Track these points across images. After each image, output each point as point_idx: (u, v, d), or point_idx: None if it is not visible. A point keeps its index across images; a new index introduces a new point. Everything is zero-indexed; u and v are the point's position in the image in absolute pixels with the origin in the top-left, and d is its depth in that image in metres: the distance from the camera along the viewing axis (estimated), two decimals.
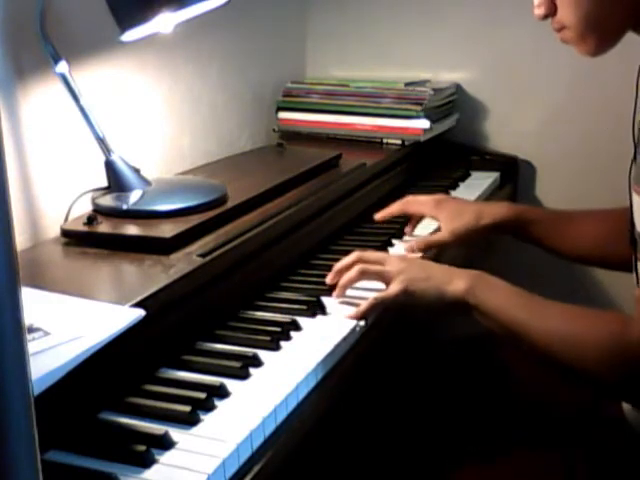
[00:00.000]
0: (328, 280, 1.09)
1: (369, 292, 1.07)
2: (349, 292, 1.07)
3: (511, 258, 1.69)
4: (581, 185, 1.85)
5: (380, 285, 1.06)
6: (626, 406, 1.03)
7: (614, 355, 0.89)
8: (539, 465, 1.01)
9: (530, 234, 1.27)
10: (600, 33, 0.97)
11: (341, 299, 1.06)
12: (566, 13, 0.97)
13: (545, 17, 1.00)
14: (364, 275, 1.06)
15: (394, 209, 1.33)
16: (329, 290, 1.10)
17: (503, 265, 1.77)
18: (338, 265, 1.09)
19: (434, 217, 1.30)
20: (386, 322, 1.07)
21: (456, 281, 1.00)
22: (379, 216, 1.34)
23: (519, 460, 1.01)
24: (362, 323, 1.01)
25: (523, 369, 1.17)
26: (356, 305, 1.03)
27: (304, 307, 1.04)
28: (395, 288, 1.01)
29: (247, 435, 0.75)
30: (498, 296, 0.98)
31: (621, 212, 1.12)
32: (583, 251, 1.25)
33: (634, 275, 0.99)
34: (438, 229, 1.31)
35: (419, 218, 1.35)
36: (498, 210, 1.27)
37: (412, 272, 1.02)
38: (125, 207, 1.10)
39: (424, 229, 1.37)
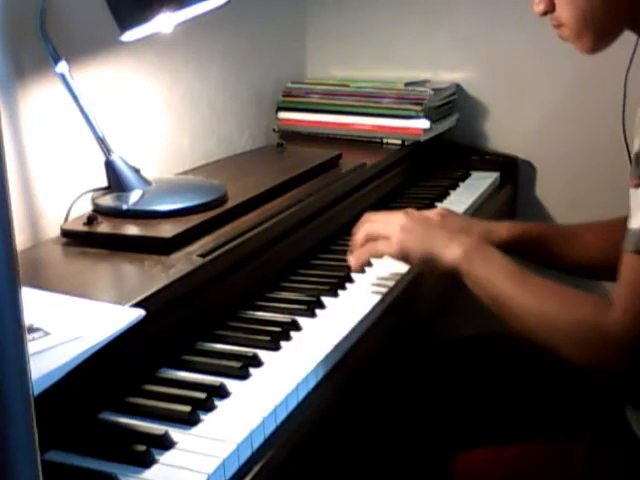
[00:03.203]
0: (349, 259, 1.13)
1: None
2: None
3: None
4: (581, 185, 1.85)
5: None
6: (628, 407, 1.03)
7: (585, 338, 0.89)
8: (539, 455, 1.01)
9: (534, 253, 1.26)
10: (596, 31, 0.98)
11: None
12: (563, 10, 0.98)
13: (544, 13, 1.01)
14: (370, 236, 1.09)
15: None
16: (329, 290, 1.10)
17: None
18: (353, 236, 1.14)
19: None
20: (387, 322, 1.08)
21: (453, 246, 1.02)
22: None
23: (520, 449, 1.02)
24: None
25: (525, 368, 1.17)
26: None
27: (304, 307, 1.04)
28: (392, 246, 1.06)
29: (247, 435, 0.75)
30: (489, 266, 1.00)
31: (621, 221, 1.11)
32: (588, 265, 1.24)
33: None
34: None
35: None
36: (503, 230, 1.24)
37: (411, 232, 1.06)
38: (125, 207, 1.09)
39: None
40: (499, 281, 0.98)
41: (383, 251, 1.08)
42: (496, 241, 1.23)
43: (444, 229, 1.08)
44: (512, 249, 1.25)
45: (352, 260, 1.11)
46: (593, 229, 1.24)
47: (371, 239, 1.10)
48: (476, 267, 1.00)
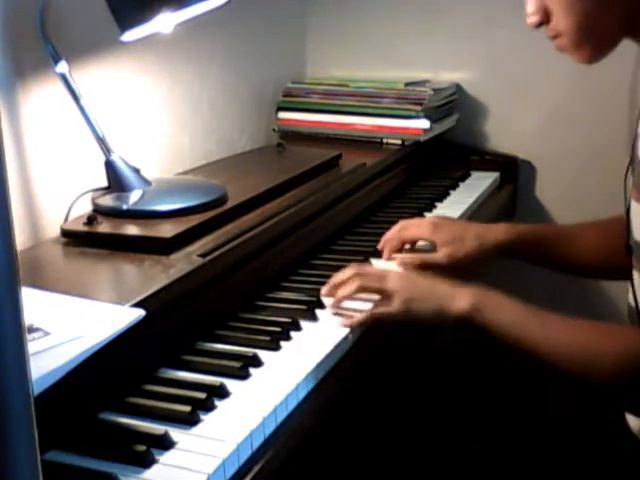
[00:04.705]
0: (323, 292, 1.06)
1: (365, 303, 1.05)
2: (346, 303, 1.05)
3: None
4: (581, 185, 1.85)
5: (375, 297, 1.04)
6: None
7: (631, 369, 0.88)
8: (538, 456, 1.01)
9: (532, 254, 1.25)
10: (595, 40, 0.97)
11: (335, 310, 1.03)
12: (561, 20, 0.96)
13: (539, 25, 0.98)
14: (363, 291, 1.03)
15: (393, 244, 1.26)
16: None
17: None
18: (335, 279, 1.06)
19: (432, 241, 1.24)
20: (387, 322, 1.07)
21: (458, 299, 0.97)
22: (386, 256, 1.25)
23: (518, 454, 1.02)
24: (350, 336, 0.98)
25: (524, 369, 1.17)
26: (351, 314, 1.02)
27: (304, 307, 1.04)
28: (395, 306, 0.99)
29: (247, 435, 0.75)
30: (506, 313, 0.96)
31: (619, 221, 1.11)
32: (586, 264, 1.23)
33: (630, 284, 0.98)
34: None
35: (416, 241, 1.29)
36: (499, 233, 1.23)
37: (413, 290, 1.00)
38: (125, 207, 1.10)
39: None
40: (523, 326, 0.95)
41: (387, 315, 1.00)
42: (492, 243, 1.23)
43: (442, 283, 1.02)
44: (509, 251, 1.25)
45: (346, 322, 1.01)
46: (591, 229, 1.24)
47: (365, 291, 1.04)
48: (492, 317, 0.96)
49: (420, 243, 1.28)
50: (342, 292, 1.04)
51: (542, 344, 0.94)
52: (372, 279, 1.03)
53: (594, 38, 0.96)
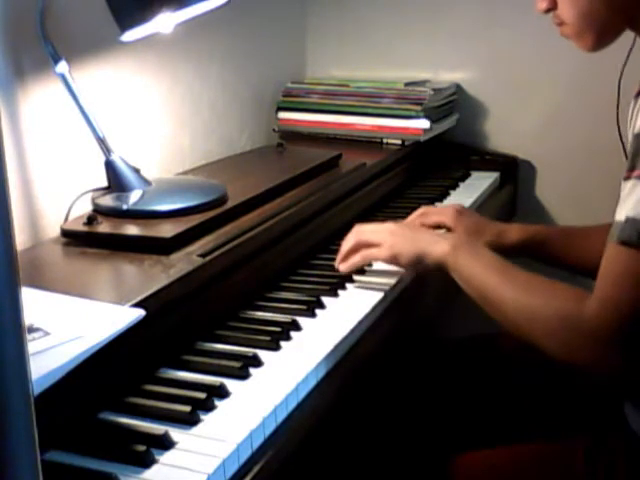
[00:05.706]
0: (336, 263, 1.15)
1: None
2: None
3: None
4: (581, 185, 1.85)
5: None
6: (627, 404, 1.03)
7: (562, 329, 0.89)
8: (538, 455, 1.01)
9: (546, 254, 1.26)
10: (597, 30, 0.99)
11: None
12: (565, 9, 0.99)
13: (547, 11, 1.02)
14: (361, 243, 1.13)
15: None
16: (329, 290, 1.10)
17: None
18: (343, 243, 1.16)
19: (453, 228, 1.27)
20: (387, 322, 1.08)
21: (441, 243, 1.05)
22: None
23: (519, 450, 1.02)
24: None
25: (524, 368, 1.17)
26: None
27: (304, 307, 1.04)
28: (383, 250, 1.10)
29: (247, 435, 0.75)
30: (475, 259, 1.02)
31: None
32: (595, 265, 1.24)
33: None
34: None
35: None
36: (515, 231, 1.27)
37: (400, 236, 1.10)
38: (125, 207, 1.10)
39: None
40: (483, 273, 1.00)
41: (375, 256, 1.11)
42: (508, 242, 1.25)
43: (430, 231, 1.11)
44: (523, 250, 1.26)
45: (342, 266, 1.14)
46: (601, 230, 1.24)
47: (362, 247, 1.13)
48: (462, 260, 1.02)
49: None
50: (344, 248, 1.15)
51: (494, 297, 0.97)
52: (367, 233, 1.14)
53: (596, 28, 0.99)
